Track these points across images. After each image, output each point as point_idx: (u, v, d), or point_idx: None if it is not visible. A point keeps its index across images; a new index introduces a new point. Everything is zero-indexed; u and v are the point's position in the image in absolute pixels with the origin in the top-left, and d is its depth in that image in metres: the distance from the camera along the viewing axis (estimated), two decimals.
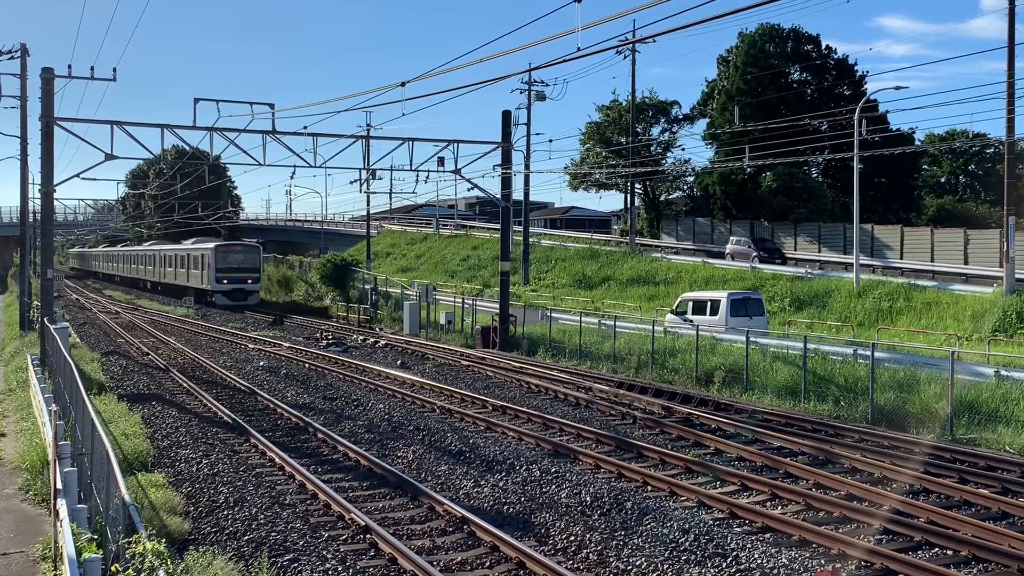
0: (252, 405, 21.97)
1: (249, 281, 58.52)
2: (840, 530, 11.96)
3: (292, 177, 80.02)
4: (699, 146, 75.44)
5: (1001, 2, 34.32)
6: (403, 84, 22.16)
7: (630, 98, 58.08)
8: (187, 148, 34.20)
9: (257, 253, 60.44)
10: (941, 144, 61.04)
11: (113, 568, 7.69)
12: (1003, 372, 19.55)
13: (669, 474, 14.98)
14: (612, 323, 30.38)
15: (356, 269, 58.15)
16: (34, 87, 34.46)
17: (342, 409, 21.06)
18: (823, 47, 60.06)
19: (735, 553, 10.56)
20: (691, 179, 64.22)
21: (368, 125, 56.09)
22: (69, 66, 28.54)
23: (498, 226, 46.75)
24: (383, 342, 36.10)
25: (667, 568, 10.42)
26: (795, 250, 52.31)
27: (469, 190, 42.27)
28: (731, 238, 54.54)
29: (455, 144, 35.05)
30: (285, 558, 10.70)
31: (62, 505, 8.80)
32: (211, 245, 59.26)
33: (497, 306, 35.38)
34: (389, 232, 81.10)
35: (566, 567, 10.58)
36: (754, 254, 49.67)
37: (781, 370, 22.61)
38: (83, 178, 63.29)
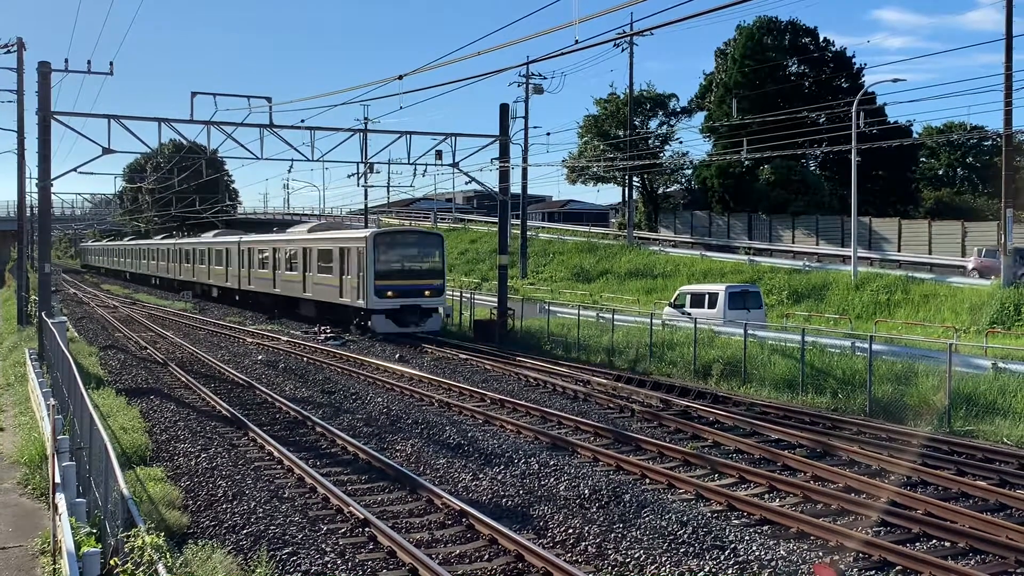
0: (250, 399, 21.96)
1: (427, 293, 35.07)
2: (838, 522, 11.98)
3: (290, 171, 78.85)
4: (697, 139, 75.57)
5: None
6: (400, 77, 22.07)
7: (628, 91, 58.10)
8: (184, 142, 34.15)
9: (439, 245, 36.61)
10: (939, 137, 61.07)
11: (112, 562, 7.70)
12: (1000, 364, 19.59)
13: (667, 467, 14.99)
14: (610, 316, 30.40)
15: None
16: (31, 81, 34.28)
17: (340, 403, 21.06)
18: (821, 40, 60.13)
19: (733, 545, 10.58)
20: (689, 172, 64.37)
21: (366, 119, 55.87)
22: (66, 60, 28.49)
23: (496, 219, 46.68)
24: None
25: (665, 560, 10.43)
26: (793, 243, 52.35)
27: (467, 183, 42.40)
28: (975, 248, 39.06)
29: (453, 138, 34.96)
30: (284, 551, 10.70)
31: (61, 499, 8.80)
32: (364, 233, 35.92)
33: (495, 300, 35.35)
34: (387, 226, 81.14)
35: (565, 559, 10.59)
36: (1022, 272, 32.82)
37: (779, 363, 22.62)
38: (80, 172, 63.53)
